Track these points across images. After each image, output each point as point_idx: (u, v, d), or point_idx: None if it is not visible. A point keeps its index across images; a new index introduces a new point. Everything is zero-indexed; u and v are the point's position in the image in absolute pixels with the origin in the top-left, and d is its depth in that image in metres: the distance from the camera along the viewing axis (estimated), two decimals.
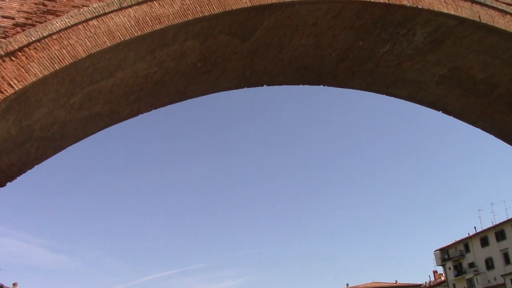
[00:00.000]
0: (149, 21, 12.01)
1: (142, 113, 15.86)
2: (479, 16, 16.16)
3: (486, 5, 16.42)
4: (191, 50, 14.15)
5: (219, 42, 14.46)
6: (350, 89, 19.39)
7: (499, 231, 68.98)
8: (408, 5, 15.14)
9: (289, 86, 18.60)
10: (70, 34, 11.17)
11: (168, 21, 12.27)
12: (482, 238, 72.19)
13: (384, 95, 19.97)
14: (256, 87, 17.96)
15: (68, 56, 11.04)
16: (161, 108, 16.29)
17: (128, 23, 11.77)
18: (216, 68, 15.81)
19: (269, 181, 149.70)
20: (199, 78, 15.94)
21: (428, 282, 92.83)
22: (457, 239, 77.62)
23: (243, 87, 17.67)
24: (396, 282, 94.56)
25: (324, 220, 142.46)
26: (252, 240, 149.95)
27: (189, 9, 12.51)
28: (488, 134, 21.94)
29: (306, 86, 18.74)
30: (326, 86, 18.91)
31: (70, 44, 11.09)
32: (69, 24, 11.17)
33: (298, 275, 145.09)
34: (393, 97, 20.11)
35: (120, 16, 11.77)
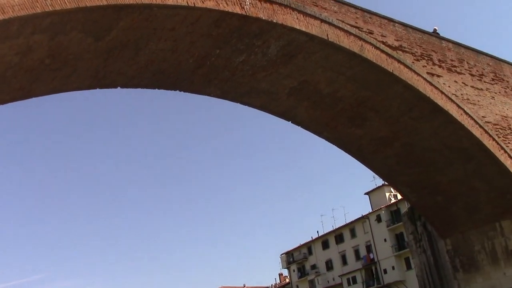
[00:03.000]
0: None
1: None
2: (327, 35, 17.35)
3: (334, 25, 17.69)
4: (38, 45, 13.17)
5: (71, 39, 13.66)
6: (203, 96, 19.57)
7: (338, 234, 74.62)
8: (264, 18, 15.73)
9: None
10: None
11: (12, 11, 11.28)
12: (324, 241, 77.49)
13: (239, 104, 20.47)
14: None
15: None
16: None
17: None
18: (66, 66, 14.90)
19: (109, 184, 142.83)
20: (47, 76, 14.89)
21: (273, 284, 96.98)
22: (302, 243, 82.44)
23: (96, 88, 16.89)
24: (244, 286, 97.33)
25: (171, 226, 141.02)
26: (99, 247, 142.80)
27: (37, 1, 11.63)
28: (332, 144, 23.63)
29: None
30: (182, 92, 18.83)
31: None
32: None
33: (147, 283, 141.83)
34: (247, 106, 20.70)
35: None
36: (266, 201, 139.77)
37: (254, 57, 17.53)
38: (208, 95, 19.39)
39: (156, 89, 18.22)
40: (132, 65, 16.31)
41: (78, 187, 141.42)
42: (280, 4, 16.22)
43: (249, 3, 15.39)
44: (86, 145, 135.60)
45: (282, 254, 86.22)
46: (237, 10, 15.06)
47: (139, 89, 17.92)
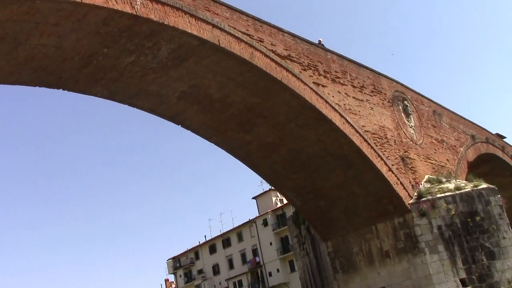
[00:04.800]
0: None
1: None
2: (219, 40, 17.46)
3: (225, 31, 17.85)
4: None
5: None
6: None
7: (225, 238, 75.19)
8: (155, 19, 15.45)
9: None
10: None
11: None
12: (211, 245, 77.65)
13: (127, 105, 19.89)
14: None
15: None
16: None
17: None
18: None
19: None
20: None
21: None
22: (189, 248, 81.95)
23: None
24: None
25: (55, 225, 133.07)
26: None
27: None
28: (220, 149, 23.78)
29: None
30: (66, 91, 17.89)
31: None
32: None
33: None
34: (135, 108, 20.18)
35: None
36: (152, 206, 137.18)
37: (144, 58, 17.15)
38: (94, 95, 18.62)
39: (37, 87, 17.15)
40: (10, 60, 15.20)
41: None
42: (172, 7, 16.04)
43: (140, 3, 15.04)
44: None
45: (168, 259, 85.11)
46: (127, 9, 14.65)
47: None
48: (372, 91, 25.95)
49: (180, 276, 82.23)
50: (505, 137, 46.21)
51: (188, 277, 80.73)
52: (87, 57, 16.27)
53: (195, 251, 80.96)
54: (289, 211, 53.36)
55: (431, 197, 24.03)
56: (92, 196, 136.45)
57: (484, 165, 37.95)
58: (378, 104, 25.88)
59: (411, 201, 24.10)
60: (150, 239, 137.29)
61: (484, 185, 25.07)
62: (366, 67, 26.48)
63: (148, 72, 17.90)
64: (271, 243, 67.79)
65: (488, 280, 22.56)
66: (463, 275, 22.64)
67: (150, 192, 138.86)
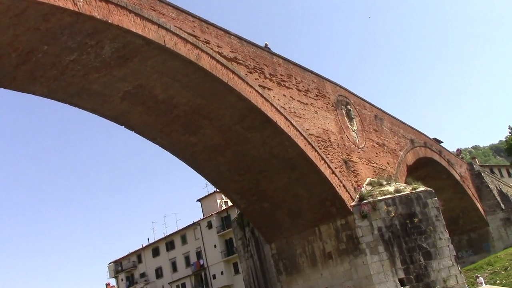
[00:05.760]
0: None
1: None
2: (164, 40, 17.22)
3: (171, 31, 17.62)
4: None
5: None
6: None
7: (169, 241, 74.22)
8: (98, 17, 15.04)
9: None
10: None
11: None
12: (154, 248, 76.43)
13: (68, 105, 19.28)
14: None
15: None
16: None
17: None
18: None
19: None
20: None
21: None
22: (131, 251, 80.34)
23: None
24: None
25: None
26: None
27: None
28: (165, 150, 23.45)
29: None
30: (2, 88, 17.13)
31: None
32: None
33: None
34: (77, 108, 19.60)
35: None
36: (93, 208, 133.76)
37: (86, 57, 16.66)
38: (33, 93, 17.91)
39: None
40: None
41: None
42: (116, 5, 15.67)
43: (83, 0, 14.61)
44: None
45: (110, 263, 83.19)
46: (69, 5, 14.17)
47: None
48: (317, 95, 26.35)
49: (122, 280, 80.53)
50: (442, 142, 48.16)
51: (130, 281, 79.17)
52: (26, 54, 15.63)
53: (138, 255, 79.53)
54: (234, 214, 53.38)
55: (372, 200, 24.65)
56: (29, 196, 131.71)
57: (422, 168, 39.38)
58: (322, 108, 26.31)
59: (353, 203, 24.64)
60: (91, 242, 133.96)
61: (422, 188, 25.97)
62: (311, 71, 26.87)
63: (90, 71, 17.41)
64: (215, 246, 67.53)
65: (425, 279, 23.37)
66: (401, 275, 23.34)
67: (90, 194, 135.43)
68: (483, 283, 31.78)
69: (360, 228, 24.05)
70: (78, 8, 14.42)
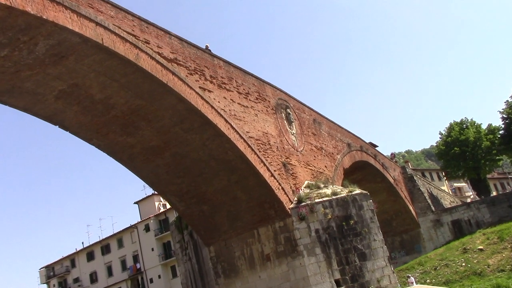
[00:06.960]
0: None
1: None
2: (102, 39, 16.77)
3: (109, 30, 17.18)
4: None
5: None
6: None
7: (105, 245, 72.34)
8: (32, 12, 14.44)
9: None
10: None
11: None
12: (89, 252, 74.22)
13: None
14: None
15: None
16: None
17: None
18: None
19: None
20: None
21: None
22: (64, 255, 77.70)
23: None
24: None
25: None
26: None
27: None
28: (101, 151, 22.85)
29: None
30: None
31: None
32: None
33: None
34: (8, 106, 18.75)
35: None
36: (22, 210, 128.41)
37: (18, 53, 15.96)
38: None
39: None
40: None
41: None
42: (52, 0, 15.11)
43: None
44: None
45: (41, 268, 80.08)
46: None
47: None
48: (257, 98, 26.51)
49: (54, 285, 77.71)
50: (377, 146, 49.77)
51: (63, 287, 76.54)
52: None
53: (71, 259, 76.99)
54: (172, 216, 52.77)
55: (310, 202, 25.06)
56: None
57: (359, 171, 40.51)
58: (262, 111, 26.49)
59: (291, 205, 24.95)
60: (21, 246, 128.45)
61: (358, 191, 26.68)
62: (252, 75, 27.01)
63: (22, 68, 16.69)
64: (153, 249, 66.47)
65: (360, 280, 23.99)
66: (337, 276, 23.87)
67: (20, 195, 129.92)
68: (414, 283, 32.93)
69: (298, 230, 24.38)
70: (11, 2, 13.79)
